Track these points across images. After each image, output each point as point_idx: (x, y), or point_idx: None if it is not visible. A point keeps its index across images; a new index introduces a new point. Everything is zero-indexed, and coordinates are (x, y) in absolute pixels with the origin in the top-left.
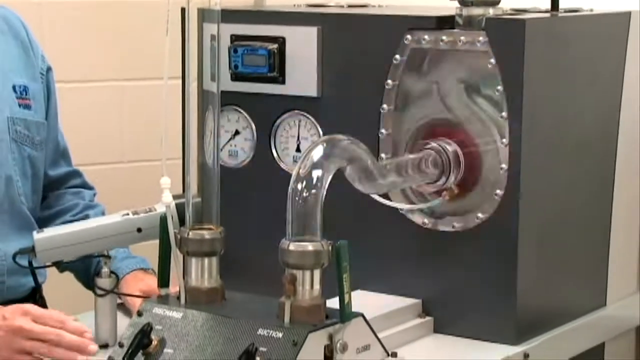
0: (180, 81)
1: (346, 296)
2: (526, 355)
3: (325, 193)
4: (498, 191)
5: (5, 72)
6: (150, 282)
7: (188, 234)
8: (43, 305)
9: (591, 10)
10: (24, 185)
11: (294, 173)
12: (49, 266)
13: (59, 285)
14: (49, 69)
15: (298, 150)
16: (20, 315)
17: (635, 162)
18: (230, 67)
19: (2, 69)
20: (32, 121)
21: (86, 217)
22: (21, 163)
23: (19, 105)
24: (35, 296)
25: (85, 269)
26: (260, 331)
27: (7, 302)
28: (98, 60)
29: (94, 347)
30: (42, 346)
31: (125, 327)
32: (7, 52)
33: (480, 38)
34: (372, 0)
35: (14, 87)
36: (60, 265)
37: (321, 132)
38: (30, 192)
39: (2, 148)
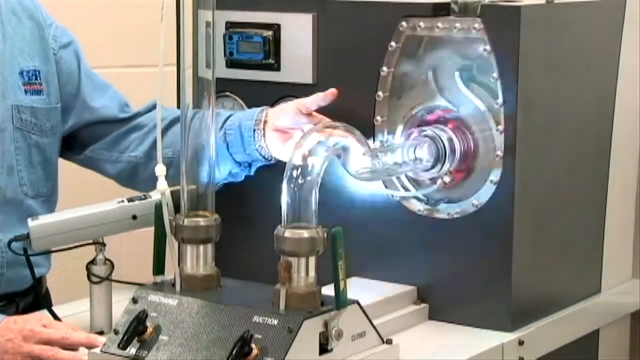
0: (175, 68)
1: (341, 283)
2: (521, 342)
3: (320, 180)
4: (493, 178)
5: (14, 57)
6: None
7: (183, 221)
8: (47, 296)
9: None
10: (30, 174)
11: (289, 160)
12: (43, 253)
13: (52, 272)
14: (65, 45)
15: None
16: (32, 320)
17: (630, 149)
18: (225, 54)
19: (10, 54)
20: (41, 108)
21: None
22: (27, 152)
23: (26, 92)
24: (37, 289)
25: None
26: (256, 318)
27: (7, 295)
28: (92, 48)
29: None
30: (49, 349)
31: (120, 314)
32: (19, 34)
33: (476, 25)
34: None
35: (21, 73)
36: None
37: None
38: (43, 178)
39: (4, 138)
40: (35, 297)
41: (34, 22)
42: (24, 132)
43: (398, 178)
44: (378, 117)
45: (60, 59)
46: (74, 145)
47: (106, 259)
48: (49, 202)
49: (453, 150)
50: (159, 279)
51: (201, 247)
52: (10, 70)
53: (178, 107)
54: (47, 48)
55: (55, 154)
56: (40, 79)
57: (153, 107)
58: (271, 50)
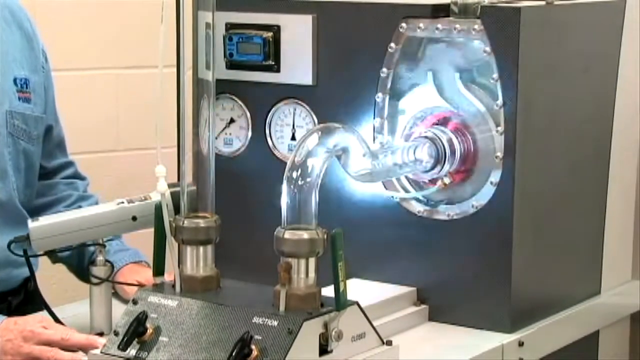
0: (175, 69)
1: (341, 284)
2: (521, 343)
3: (320, 181)
4: (493, 179)
5: (8, 63)
6: (146, 275)
7: (183, 222)
8: (37, 295)
9: None
10: (17, 180)
11: (289, 161)
12: (43, 254)
13: (52, 273)
14: (46, 61)
15: (293, 138)
16: (32, 321)
17: (630, 150)
18: (225, 55)
19: (5, 60)
20: (31, 115)
21: (79, 208)
22: (16, 157)
23: (19, 99)
24: (27, 287)
25: (79, 260)
26: (256, 319)
27: (0, 295)
28: (93, 49)
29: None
30: (49, 350)
31: (120, 315)
32: (11, 42)
33: (476, 26)
34: None
35: (15, 80)
36: (53, 256)
37: (316, 121)
38: (23, 185)
39: None
40: (25, 295)
41: (22, 32)
42: (15, 137)
43: (398, 179)
44: (378, 119)
45: (46, 74)
46: None
47: (106, 260)
48: (27, 207)
49: (453, 152)
50: (158, 280)
51: (201, 248)
52: (5, 77)
53: (178, 108)
54: (36, 59)
55: (38, 163)
56: (29, 87)
57: (72, 176)
58: (271, 52)
